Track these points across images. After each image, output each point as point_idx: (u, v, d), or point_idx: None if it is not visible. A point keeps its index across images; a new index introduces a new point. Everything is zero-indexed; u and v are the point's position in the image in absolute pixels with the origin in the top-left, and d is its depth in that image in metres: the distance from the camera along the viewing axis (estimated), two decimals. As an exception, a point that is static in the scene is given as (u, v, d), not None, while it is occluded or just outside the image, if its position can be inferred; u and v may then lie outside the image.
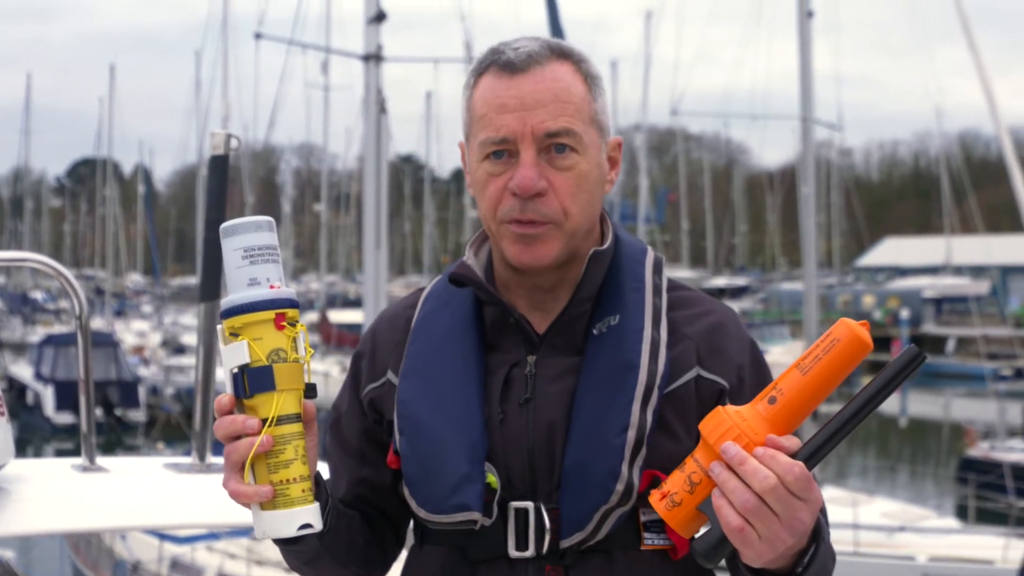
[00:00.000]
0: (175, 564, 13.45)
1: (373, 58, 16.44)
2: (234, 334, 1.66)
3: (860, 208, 55.77)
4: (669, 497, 1.61)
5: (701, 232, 79.79)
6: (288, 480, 1.66)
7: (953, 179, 46.43)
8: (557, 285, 1.92)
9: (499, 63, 1.87)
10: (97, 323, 43.26)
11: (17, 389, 34.96)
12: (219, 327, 1.69)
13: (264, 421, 1.65)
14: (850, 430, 1.58)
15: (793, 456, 1.56)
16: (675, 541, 1.84)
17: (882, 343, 51.52)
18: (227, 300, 1.68)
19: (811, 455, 1.57)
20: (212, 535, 13.02)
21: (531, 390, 1.87)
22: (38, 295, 61.90)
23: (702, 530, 1.65)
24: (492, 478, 1.82)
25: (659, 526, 1.85)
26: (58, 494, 2.84)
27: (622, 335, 1.87)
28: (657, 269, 1.98)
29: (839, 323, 1.59)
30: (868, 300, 55.85)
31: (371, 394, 1.99)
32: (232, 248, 1.69)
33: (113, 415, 30.46)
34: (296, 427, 1.68)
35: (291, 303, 1.68)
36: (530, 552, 1.82)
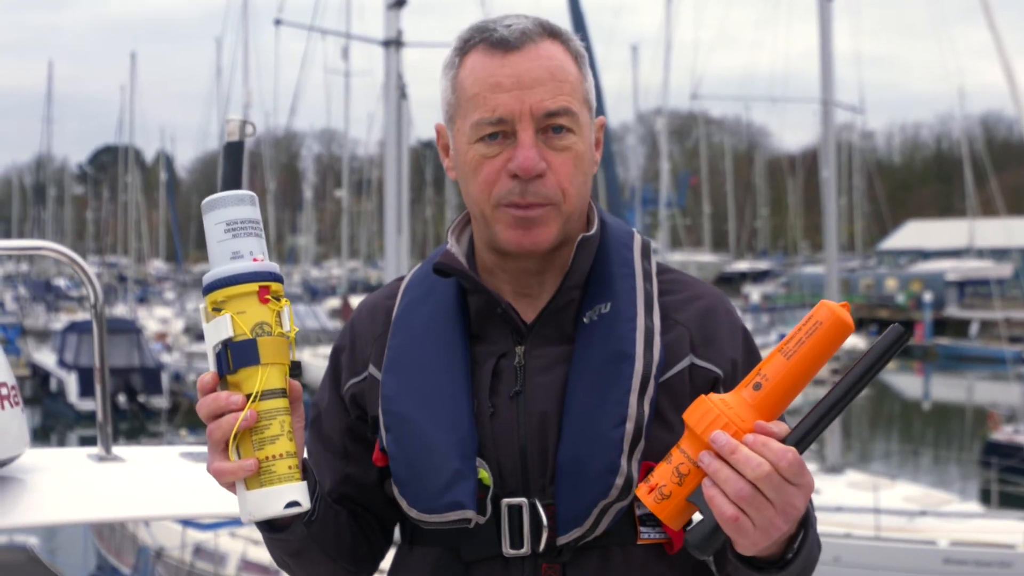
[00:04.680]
0: (198, 550, 13.50)
1: (393, 43, 16.48)
2: (216, 309, 1.62)
3: (882, 191, 55.64)
4: (657, 490, 1.58)
5: (723, 216, 79.60)
6: (274, 456, 1.60)
7: (975, 161, 46.19)
8: (544, 270, 1.87)
9: (491, 40, 1.80)
10: (120, 310, 43.47)
11: (41, 376, 35.12)
12: (201, 305, 1.65)
13: (248, 397, 1.60)
14: (838, 413, 1.56)
15: (783, 441, 1.54)
16: (671, 535, 1.80)
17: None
18: (209, 274, 1.63)
19: (801, 439, 1.55)
20: (236, 521, 13.03)
21: (521, 382, 1.81)
22: (61, 282, 62.14)
23: (693, 521, 1.62)
24: (484, 474, 1.76)
25: (655, 519, 1.79)
26: (74, 484, 2.84)
27: (615, 323, 1.81)
28: (645, 253, 1.92)
29: (820, 305, 1.56)
30: (891, 283, 55.67)
31: (352, 389, 1.92)
32: (214, 222, 1.64)
33: (136, 401, 30.58)
34: (282, 402, 1.62)
35: (275, 276, 1.63)
36: (525, 550, 1.77)
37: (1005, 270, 50.48)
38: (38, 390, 34.04)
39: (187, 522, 13.41)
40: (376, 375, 1.89)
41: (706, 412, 1.57)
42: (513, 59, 1.78)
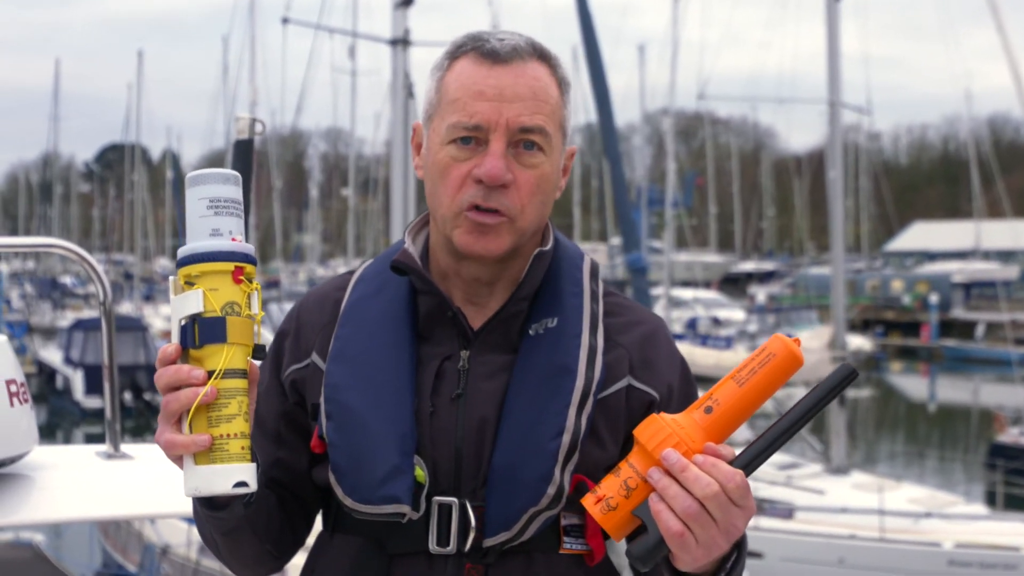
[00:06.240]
0: (204, 548, 13.51)
1: (400, 42, 16.46)
2: (189, 283, 1.64)
3: (889, 192, 55.58)
4: (604, 501, 1.63)
5: (729, 216, 79.57)
6: (229, 435, 1.62)
7: (982, 163, 46.19)
8: (495, 280, 1.92)
9: (482, 50, 1.85)
10: (126, 307, 43.51)
11: (47, 373, 35.14)
12: (172, 277, 1.66)
13: (210, 373, 1.61)
14: (785, 441, 1.63)
15: (730, 464, 1.60)
16: (593, 546, 1.87)
17: (911, 328, 51.40)
18: (186, 248, 1.65)
19: (748, 463, 1.61)
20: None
21: (463, 385, 1.86)
22: (67, 280, 62.14)
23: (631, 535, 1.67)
24: (420, 472, 1.80)
25: (578, 531, 1.87)
26: (83, 481, 2.85)
27: (560, 338, 1.87)
28: (594, 275, 1.99)
29: (773, 338, 1.63)
30: (897, 285, 55.62)
31: (293, 375, 1.95)
32: (197, 197, 1.66)
33: (142, 399, 30.57)
34: (242, 383, 1.64)
35: (251, 259, 1.66)
36: (451, 548, 1.81)
37: (1011, 272, 50.43)
38: (44, 387, 34.05)
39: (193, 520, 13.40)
40: (319, 364, 1.93)
41: (658, 430, 1.62)
42: (499, 71, 1.84)
